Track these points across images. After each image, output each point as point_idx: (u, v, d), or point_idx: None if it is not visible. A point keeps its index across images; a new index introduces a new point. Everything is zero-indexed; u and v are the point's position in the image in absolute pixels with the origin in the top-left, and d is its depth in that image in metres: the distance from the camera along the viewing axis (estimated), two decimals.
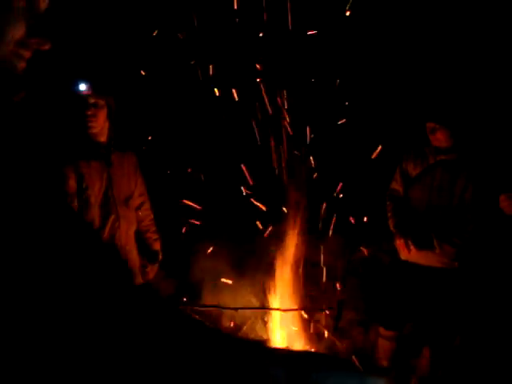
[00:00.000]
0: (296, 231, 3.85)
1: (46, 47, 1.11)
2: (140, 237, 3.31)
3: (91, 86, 2.96)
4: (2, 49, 1.04)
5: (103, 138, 3.07)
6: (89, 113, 2.95)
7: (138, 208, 3.31)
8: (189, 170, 4.10)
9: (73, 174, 2.94)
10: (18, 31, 1.05)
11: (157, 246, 3.38)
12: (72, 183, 2.94)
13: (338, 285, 4.14)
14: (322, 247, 4.16)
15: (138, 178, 3.28)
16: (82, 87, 2.95)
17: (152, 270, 3.32)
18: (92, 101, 2.96)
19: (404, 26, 3.99)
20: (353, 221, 4.20)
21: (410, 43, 4.08)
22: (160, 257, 3.38)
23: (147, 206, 3.38)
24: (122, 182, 3.12)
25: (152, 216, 3.40)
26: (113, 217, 3.05)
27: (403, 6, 3.92)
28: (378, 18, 3.87)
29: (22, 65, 1.09)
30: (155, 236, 3.39)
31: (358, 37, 3.91)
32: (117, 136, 3.13)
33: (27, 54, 1.09)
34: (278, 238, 3.78)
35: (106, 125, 3.07)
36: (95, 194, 2.99)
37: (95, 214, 3.01)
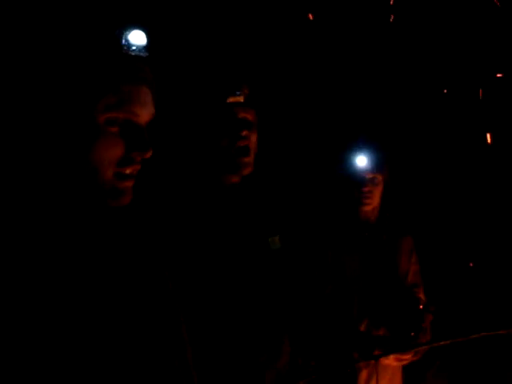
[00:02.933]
0: None
1: (149, 155, 1.10)
2: None
3: (370, 161, 2.63)
4: (100, 177, 1.07)
5: (373, 218, 2.70)
6: (365, 189, 2.61)
7: None
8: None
9: (329, 260, 2.57)
10: (114, 154, 1.07)
11: None
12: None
13: None
14: None
15: (412, 266, 2.79)
16: (362, 162, 2.64)
17: None
18: (370, 176, 2.63)
19: None
20: None
21: None
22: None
23: (422, 302, 2.78)
24: (389, 270, 2.67)
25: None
26: None
27: None
28: None
29: (126, 184, 1.10)
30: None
31: None
32: (390, 216, 2.74)
33: (132, 168, 1.10)
34: None
35: (378, 203, 2.70)
36: (355, 285, 2.59)
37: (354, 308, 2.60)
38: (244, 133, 1.78)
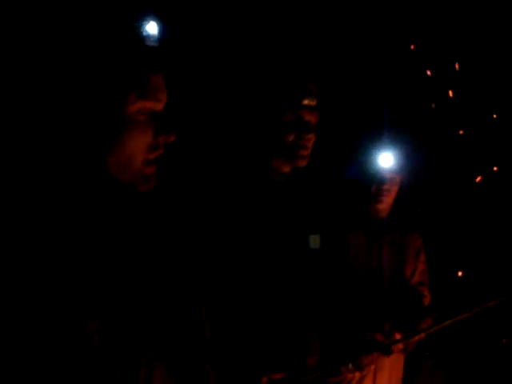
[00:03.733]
0: None
1: (173, 138, 1.15)
2: None
3: (394, 162, 2.72)
4: (135, 163, 1.13)
5: (383, 214, 2.80)
6: (385, 187, 2.72)
7: None
8: None
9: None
10: (146, 139, 1.13)
11: None
12: None
13: None
14: None
15: (419, 265, 2.87)
16: (387, 161, 2.75)
17: None
18: (390, 175, 2.73)
19: None
20: None
21: None
22: None
23: (426, 300, 2.91)
24: (396, 267, 2.77)
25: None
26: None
27: None
28: None
29: (151, 170, 1.16)
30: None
31: None
32: (400, 214, 2.83)
33: (158, 153, 1.15)
34: None
35: (391, 203, 2.80)
36: (360, 278, 2.69)
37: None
38: (308, 136, 1.94)
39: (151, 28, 1.25)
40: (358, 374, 2.63)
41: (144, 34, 1.22)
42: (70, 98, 1.14)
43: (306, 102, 1.91)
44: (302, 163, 1.95)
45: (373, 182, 2.74)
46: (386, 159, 2.73)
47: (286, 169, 1.97)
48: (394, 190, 2.76)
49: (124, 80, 1.13)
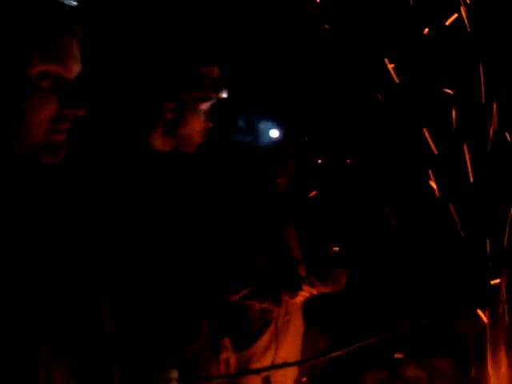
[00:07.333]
0: None
1: (81, 113, 1.09)
2: None
3: (284, 134, 2.77)
4: (34, 133, 1.04)
5: (289, 192, 2.82)
6: (279, 161, 2.75)
7: None
8: None
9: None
10: (49, 110, 1.05)
11: None
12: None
13: None
14: None
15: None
16: (274, 134, 2.78)
17: None
18: (283, 149, 2.76)
19: None
20: None
21: None
22: None
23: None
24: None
25: None
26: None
27: None
28: None
29: (60, 137, 1.09)
30: None
31: None
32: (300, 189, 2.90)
33: (65, 125, 1.08)
34: None
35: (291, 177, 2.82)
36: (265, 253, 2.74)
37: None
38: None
39: None
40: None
41: None
42: None
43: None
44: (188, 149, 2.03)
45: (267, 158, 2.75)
46: (276, 132, 2.75)
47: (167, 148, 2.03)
48: (291, 164, 2.77)
49: (25, 37, 1.02)
